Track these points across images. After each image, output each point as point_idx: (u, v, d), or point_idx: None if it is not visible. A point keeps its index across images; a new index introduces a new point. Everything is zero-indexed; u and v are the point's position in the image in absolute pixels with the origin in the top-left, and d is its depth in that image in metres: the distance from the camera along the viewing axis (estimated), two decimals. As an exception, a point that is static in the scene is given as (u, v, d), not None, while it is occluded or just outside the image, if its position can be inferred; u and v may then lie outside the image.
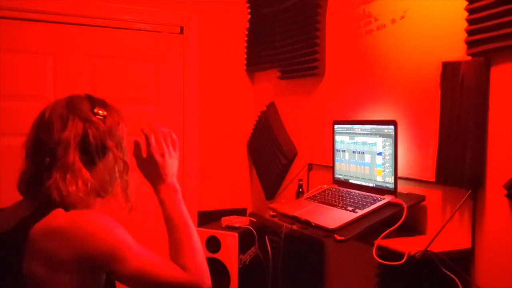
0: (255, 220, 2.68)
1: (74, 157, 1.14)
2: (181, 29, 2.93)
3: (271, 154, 2.75)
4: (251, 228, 2.53)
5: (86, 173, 1.15)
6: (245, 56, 3.07)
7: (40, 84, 2.63)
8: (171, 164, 1.26)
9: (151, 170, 1.25)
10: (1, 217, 1.23)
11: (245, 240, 2.47)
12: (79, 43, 2.70)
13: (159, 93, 2.88)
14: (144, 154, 1.26)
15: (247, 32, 3.03)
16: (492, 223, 1.53)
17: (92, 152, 1.16)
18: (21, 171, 1.21)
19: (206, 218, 2.82)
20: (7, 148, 2.54)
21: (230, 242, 2.40)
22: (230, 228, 2.49)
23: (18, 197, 1.23)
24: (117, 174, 1.23)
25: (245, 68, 3.08)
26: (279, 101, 2.79)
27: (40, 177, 1.14)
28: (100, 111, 1.19)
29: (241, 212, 2.99)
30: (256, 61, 2.96)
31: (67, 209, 1.13)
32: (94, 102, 1.22)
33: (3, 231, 1.14)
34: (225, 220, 2.54)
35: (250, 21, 3.00)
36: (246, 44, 3.05)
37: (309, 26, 2.38)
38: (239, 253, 2.41)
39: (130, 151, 1.27)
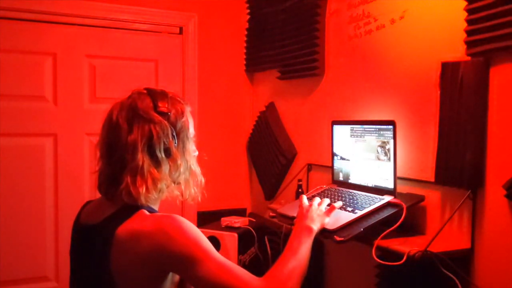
0: (254, 220, 2.68)
1: (142, 159, 1.16)
2: (181, 29, 2.93)
3: (271, 154, 2.75)
4: (251, 229, 2.52)
5: (155, 173, 1.18)
6: (245, 57, 3.07)
7: (40, 84, 2.63)
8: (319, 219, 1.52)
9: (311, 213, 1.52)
10: (90, 210, 1.29)
11: (245, 240, 2.46)
12: (78, 43, 2.70)
13: (158, 94, 2.88)
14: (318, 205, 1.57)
15: (246, 32, 3.03)
16: (492, 223, 1.53)
17: (159, 151, 1.19)
18: (98, 172, 1.25)
19: (206, 218, 2.82)
20: (7, 148, 2.55)
21: (229, 243, 2.40)
22: (229, 228, 2.49)
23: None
24: (184, 166, 1.26)
25: (244, 68, 3.08)
26: (278, 101, 2.79)
27: (115, 179, 1.18)
28: (163, 108, 1.21)
29: (240, 212, 3.00)
30: (256, 61, 2.96)
31: (148, 209, 1.18)
32: (156, 97, 1.22)
33: (94, 223, 1.20)
34: (225, 221, 2.54)
35: (249, 21, 2.99)
36: (245, 44, 3.05)
37: (309, 26, 2.38)
38: (239, 254, 2.40)
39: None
